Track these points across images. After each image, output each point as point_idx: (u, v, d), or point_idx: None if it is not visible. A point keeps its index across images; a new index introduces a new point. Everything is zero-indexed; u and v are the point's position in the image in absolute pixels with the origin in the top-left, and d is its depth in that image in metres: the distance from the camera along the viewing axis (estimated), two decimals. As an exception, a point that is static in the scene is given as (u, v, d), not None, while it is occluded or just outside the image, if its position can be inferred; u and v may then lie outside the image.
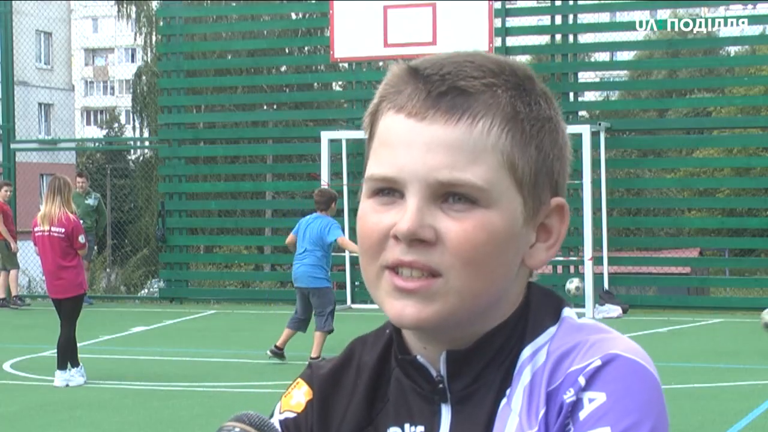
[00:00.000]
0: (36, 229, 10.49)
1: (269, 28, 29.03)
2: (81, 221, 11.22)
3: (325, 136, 17.32)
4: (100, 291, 22.55)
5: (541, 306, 1.35)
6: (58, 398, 9.64)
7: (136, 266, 32.96)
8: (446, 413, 1.33)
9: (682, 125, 22.16)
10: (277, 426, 1.42)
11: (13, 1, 21.01)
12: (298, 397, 1.44)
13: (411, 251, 1.28)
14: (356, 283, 18.12)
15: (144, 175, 33.25)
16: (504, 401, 1.30)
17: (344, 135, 17.55)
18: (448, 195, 1.28)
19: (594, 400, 1.24)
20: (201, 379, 10.59)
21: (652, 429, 1.24)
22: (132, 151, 38.09)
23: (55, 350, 10.40)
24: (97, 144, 34.45)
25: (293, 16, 27.24)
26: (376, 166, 1.31)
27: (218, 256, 25.57)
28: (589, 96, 30.49)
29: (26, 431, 8.58)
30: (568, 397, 1.25)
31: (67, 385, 10.24)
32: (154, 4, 35.52)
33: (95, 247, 18.08)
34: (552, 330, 1.32)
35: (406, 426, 1.35)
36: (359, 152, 18.45)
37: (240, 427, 1.35)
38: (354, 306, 17.64)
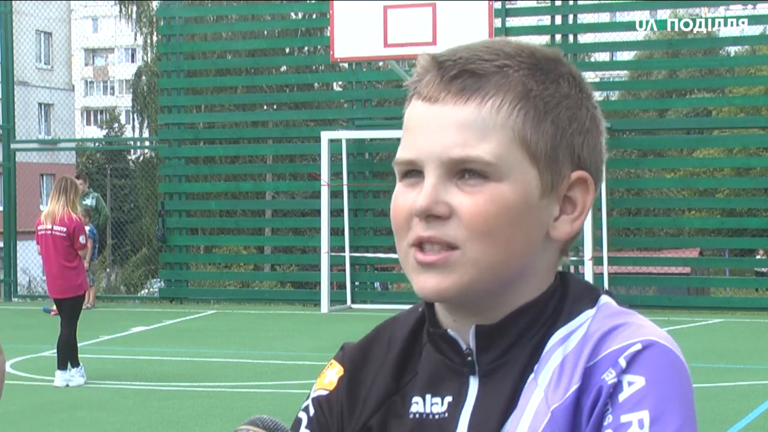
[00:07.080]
0: (39, 227, 10.51)
1: (269, 28, 29.06)
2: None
3: (325, 136, 17.31)
4: (100, 291, 22.52)
5: (579, 292, 1.40)
6: (58, 398, 9.64)
7: (136, 266, 33.00)
8: (474, 385, 1.38)
9: (682, 125, 22.16)
10: (311, 405, 1.48)
11: (13, 1, 21.01)
12: (330, 376, 1.49)
13: (429, 227, 1.34)
14: (356, 283, 18.11)
15: (144, 175, 33.24)
16: (531, 376, 1.35)
17: (344, 135, 17.53)
18: (463, 172, 1.34)
19: (633, 383, 1.29)
20: (201, 379, 10.59)
21: (684, 416, 1.29)
22: (132, 151, 38.13)
23: (55, 350, 10.40)
24: (97, 144, 34.48)
25: (293, 16, 27.23)
26: (400, 151, 1.38)
27: (218, 256, 25.56)
28: (589, 96, 30.42)
29: (26, 431, 8.58)
30: (610, 378, 1.30)
31: (67, 385, 10.23)
32: (155, 4, 35.50)
33: (97, 245, 18.06)
34: (590, 313, 1.37)
35: (427, 397, 1.40)
36: (359, 152, 18.45)
37: (252, 430, 1.38)
38: (354, 306, 17.63)
